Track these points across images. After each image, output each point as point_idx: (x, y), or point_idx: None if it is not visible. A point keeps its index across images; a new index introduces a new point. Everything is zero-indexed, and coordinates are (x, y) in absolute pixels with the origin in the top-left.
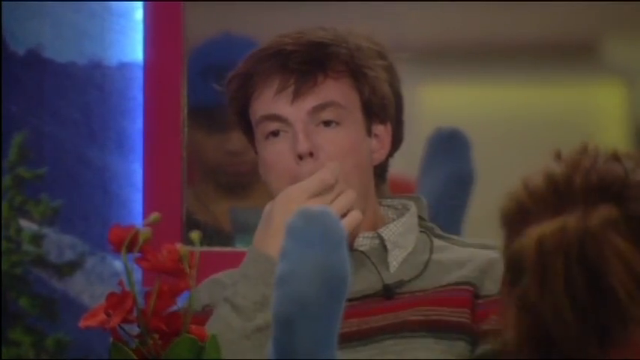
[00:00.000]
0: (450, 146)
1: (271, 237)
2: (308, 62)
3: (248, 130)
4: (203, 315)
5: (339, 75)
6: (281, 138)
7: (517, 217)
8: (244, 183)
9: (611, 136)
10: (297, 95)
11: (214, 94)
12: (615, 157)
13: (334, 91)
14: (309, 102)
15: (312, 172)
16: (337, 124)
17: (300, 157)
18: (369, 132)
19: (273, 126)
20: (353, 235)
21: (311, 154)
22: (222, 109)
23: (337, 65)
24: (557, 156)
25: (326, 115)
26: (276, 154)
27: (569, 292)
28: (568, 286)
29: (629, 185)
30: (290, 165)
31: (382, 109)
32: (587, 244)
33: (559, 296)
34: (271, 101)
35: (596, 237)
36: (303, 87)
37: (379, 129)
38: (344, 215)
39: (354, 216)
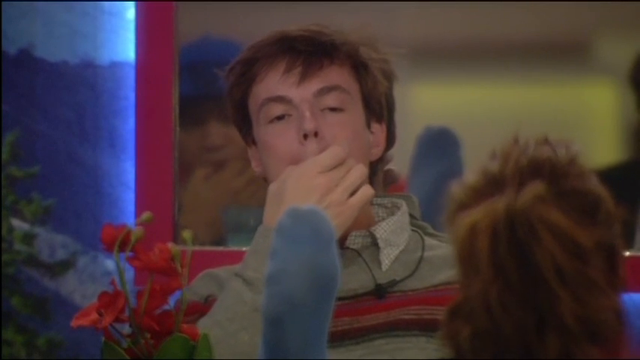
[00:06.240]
0: (439, 145)
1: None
2: (315, 45)
3: (243, 121)
4: (207, 306)
5: (343, 63)
6: (284, 121)
7: (456, 215)
8: None
9: (603, 136)
10: (304, 77)
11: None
12: (545, 141)
13: (339, 76)
14: (316, 84)
15: (316, 153)
16: (341, 110)
17: (305, 137)
18: (368, 126)
19: (278, 109)
20: (346, 233)
21: (316, 134)
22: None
23: (341, 54)
24: (493, 155)
25: (331, 99)
26: (278, 136)
27: (499, 275)
28: (497, 270)
29: (559, 163)
30: (292, 147)
31: (380, 107)
32: (516, 221)
33: (489, 282)
34: (277, 83)
35: (526, 212)
36: (310, 69)
37: (375, 127)
38: (355, 191)
39: (366, 191)
